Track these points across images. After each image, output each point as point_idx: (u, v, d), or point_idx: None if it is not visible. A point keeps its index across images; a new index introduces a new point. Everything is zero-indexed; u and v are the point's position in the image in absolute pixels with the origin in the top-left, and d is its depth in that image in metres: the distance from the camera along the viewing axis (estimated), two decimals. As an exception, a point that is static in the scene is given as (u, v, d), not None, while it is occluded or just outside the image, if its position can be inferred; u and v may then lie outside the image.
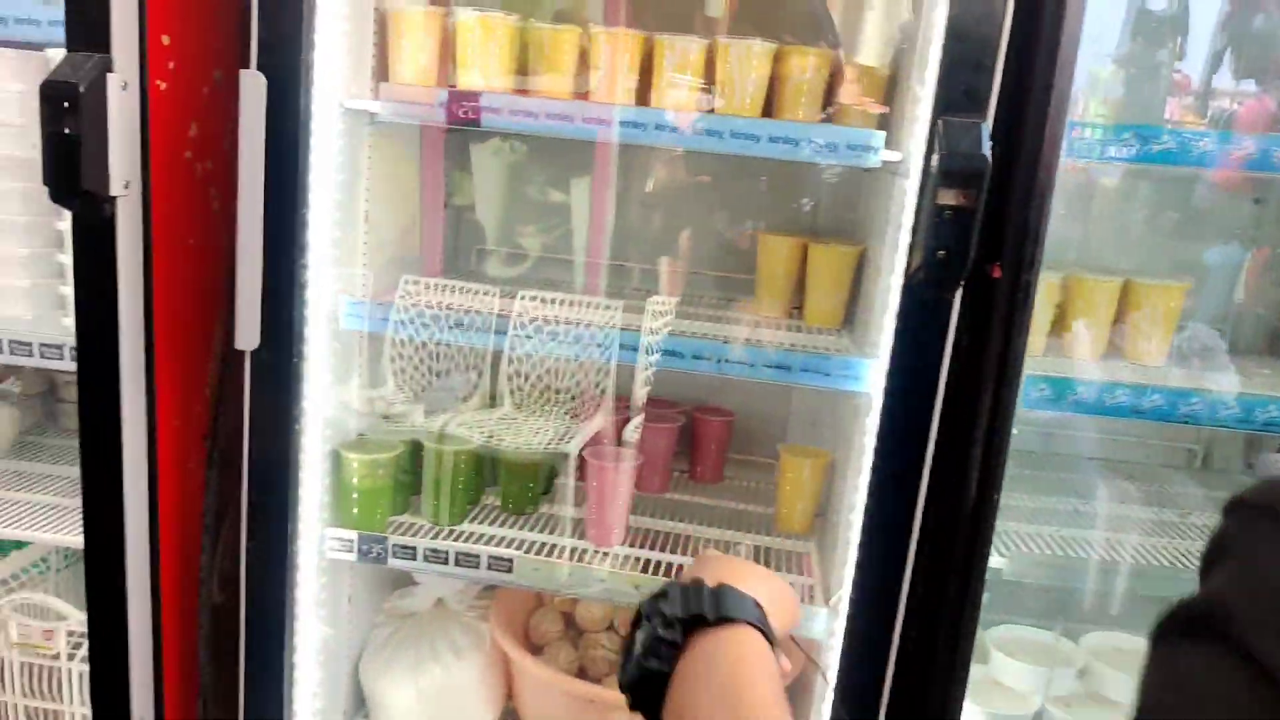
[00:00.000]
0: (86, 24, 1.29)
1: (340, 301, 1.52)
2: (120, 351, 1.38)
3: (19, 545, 1.86)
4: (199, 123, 1.51)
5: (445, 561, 1.58)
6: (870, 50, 1.51)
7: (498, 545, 1.60)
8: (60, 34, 1.42)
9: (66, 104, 1.25)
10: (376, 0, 1.57)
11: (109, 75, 1.30)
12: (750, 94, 1.51)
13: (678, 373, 1.50)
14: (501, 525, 1.70)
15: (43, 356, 1.53)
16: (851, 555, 1.40)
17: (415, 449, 1.70)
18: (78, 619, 1.65)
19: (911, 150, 1.33)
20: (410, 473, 1.70)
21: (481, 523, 1.70)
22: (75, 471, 1.66)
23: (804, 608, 1.47)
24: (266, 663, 1.51)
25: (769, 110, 1.52)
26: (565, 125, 1.43)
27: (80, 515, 1.50)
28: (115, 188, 1.33)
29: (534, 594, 2.00)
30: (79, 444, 1.43)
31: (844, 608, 1.43)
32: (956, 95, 1.23)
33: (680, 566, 1.60)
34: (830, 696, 1.47)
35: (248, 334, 1.37)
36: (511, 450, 1.69)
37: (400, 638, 1.83)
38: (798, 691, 1.72)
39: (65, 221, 1.54)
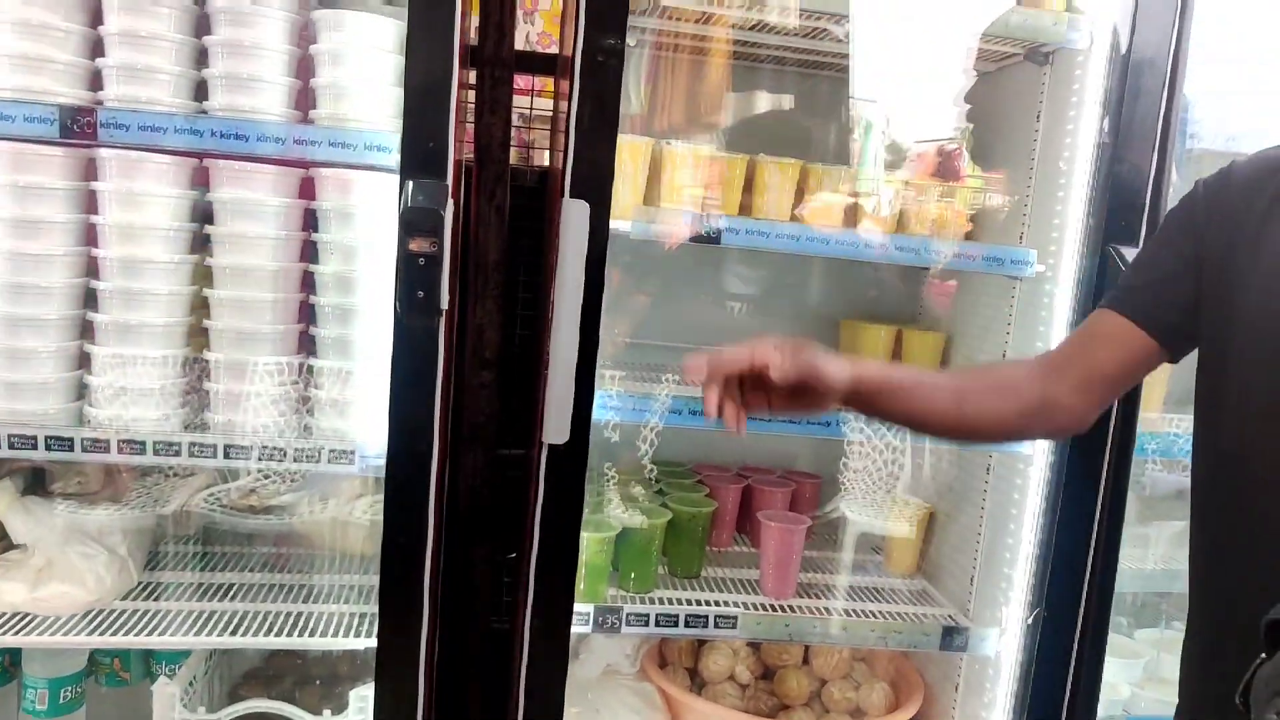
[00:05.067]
0: (427, 153, 1.42)
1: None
2: (432, 448, 1.48)
3: (184, 655, 1.81)
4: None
5: (676, 624, 1.77)
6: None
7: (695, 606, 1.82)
8: (308, 153, 1.54)
9: (427, 228, 1.37)
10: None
11: (448, 200, 1.43)
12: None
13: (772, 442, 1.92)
14: (681, 589, 1.91)
15: (295, 460, 1.58)
16: (1020, 587, 1.78)
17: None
18: (310, 723, 1.67)
19: (1061, 265, 1.74)
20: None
21: (664, 589, 1.90)
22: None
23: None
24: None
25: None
26: (790, 243, 1.71)
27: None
28: (444, 302, 1.45)
29: (661, 653, 2.19)
30: (383, 544, 1.49)
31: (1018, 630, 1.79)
32: (1116, 227, 1.65)
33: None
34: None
35: (558, 431, 1.52)
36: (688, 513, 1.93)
37: (580, 701, 1.96)
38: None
39: (323, 329, 1.61)
